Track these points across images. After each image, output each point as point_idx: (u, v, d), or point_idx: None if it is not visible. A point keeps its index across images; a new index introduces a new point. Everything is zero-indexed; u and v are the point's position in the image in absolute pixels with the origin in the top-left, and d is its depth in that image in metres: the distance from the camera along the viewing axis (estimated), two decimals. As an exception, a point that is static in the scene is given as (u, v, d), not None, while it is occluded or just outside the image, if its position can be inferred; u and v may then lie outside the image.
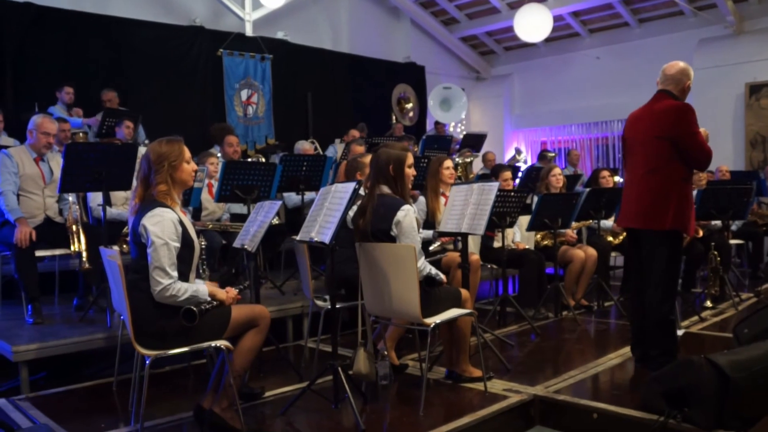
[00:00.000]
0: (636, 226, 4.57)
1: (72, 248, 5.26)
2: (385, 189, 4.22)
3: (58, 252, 5.54)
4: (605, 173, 7.71)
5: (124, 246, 5.46)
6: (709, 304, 6.77)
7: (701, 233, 7.13)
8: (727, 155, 10.88)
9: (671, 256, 4.47)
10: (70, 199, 5.40)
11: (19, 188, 5.30)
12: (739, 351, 3.71)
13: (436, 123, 12.32)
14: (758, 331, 4.34)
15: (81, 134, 7.52)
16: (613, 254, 7.35)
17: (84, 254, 5.20)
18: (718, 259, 6.78)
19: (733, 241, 7.75)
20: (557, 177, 6.98)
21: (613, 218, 7.13)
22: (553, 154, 11.16)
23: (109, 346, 4.81)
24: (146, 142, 7.40)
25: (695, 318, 6.25)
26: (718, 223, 7.27)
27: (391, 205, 4.13)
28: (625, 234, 7.11)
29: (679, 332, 5.43)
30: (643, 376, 4.34)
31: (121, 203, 5.92)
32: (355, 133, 9.46)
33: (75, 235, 5.25)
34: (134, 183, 4.32)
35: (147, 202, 3.43)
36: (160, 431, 3.77)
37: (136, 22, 9.60)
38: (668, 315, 4.45)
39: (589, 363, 4.92)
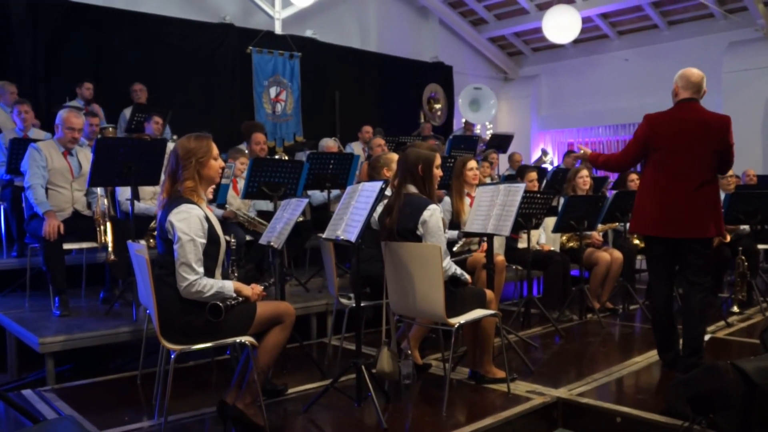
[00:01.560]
0: (684, 236, 4.48)
1: (99, 240, 5.31)
2: (412, 188, 4.22)
3: (85, 245, 5.60)
4: (633, 176, 7.65)
5: (151, 240, 5.52)
6: (736, 309, 6.71)
7: (728, 238, 7.05)
8: (755, 158, 10.77)
9: (708, 258, 4.56)
10: (99, 191, 5.45)
11: (48, 182, 5.37)
12: (766, 357, 3.67)
13: (465, 123, 12.29)
14: (786, 337, 4.31)
15: (110, 129, 7.61)
16: (639, 257, 7.29)
17: (110, 246, 5.25)
18: (746, 264, 6.71)
19: (761, 246, 7.64)
20: (584, 179, 6.92)
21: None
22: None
23: (134, 339, 4.86)
24: (174, 138, 7.45)
25: (722, 323, 6.18)
26: (746, 227, 7.18)
27: (418, 205, 4.12)
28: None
29: (705, 337, 5.38)
30: (667, 381, 4.30)
31: (149, 198, 5.98)
32: (368, 129, 9.46)
33: (102, 227, 5.30)
34: (162, 178, 4.37)
35: (174, 198, 3.46)
36: (183, 426, 3.79)
37: (166, 19, 9.72)
38: (710, 297, 4.58)
39: (613, 366, 4.89)
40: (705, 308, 4.56)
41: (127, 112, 8.62)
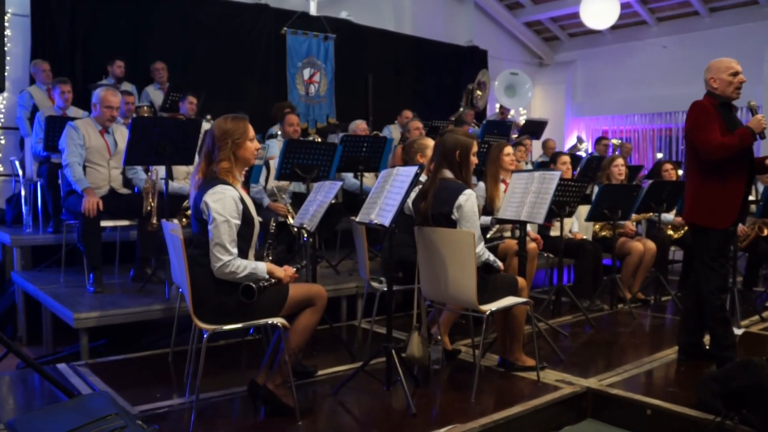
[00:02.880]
0: (685, 220, 4.64)
1: (144, 209, 5.36)
2: (448, 174, 4.20)
3: (121, 223, 5.67)
4: (668, 166, 7.57)
5: (184, 220, 5.57)
6: (771, 303, 6.61)
7: (766, 231, 6.95)
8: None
9: (713, 253, 4.41)
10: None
11: (85, 160, 5.43)
12: (803, 353, 3.63)
13: (500, 108, 12.19)
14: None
15: (146, 108, 7.66)
16: (672, 248, 7.22)
17: (154, 214, 5.31)
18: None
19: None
20: (619, 168, 6.84)
21: (674, 211, 6.99)
22: (618, 142, 10.99)
23: (166, 317, 4.93)
24: (208, 118, 7.48)
25: (756, 317, 6.10)
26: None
27: (454, 189, 4.11)
28: (686, 228, 7.00)
29: (738, 331, 5.32)
30: (699, 374, 4.25)
31: (183, 177, 6.03)
32: (408, 113, 9.42)
33: (152, 197, 5.36)
34: (196, 158, 4.38)
35: (209, 179, 3.47)
36: (214, 404, 3.84)
37: (202, -1, 9.72)
38: (714, 302, 4.41)
39: (643, 358, 4.86)
40: (708, 309, 4.46)
41: (150, 90, 8.67)
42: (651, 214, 6.83)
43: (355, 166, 6.68)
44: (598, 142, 10.97)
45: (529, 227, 5.09)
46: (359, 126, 8.34)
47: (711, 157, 4.23)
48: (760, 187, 7.07)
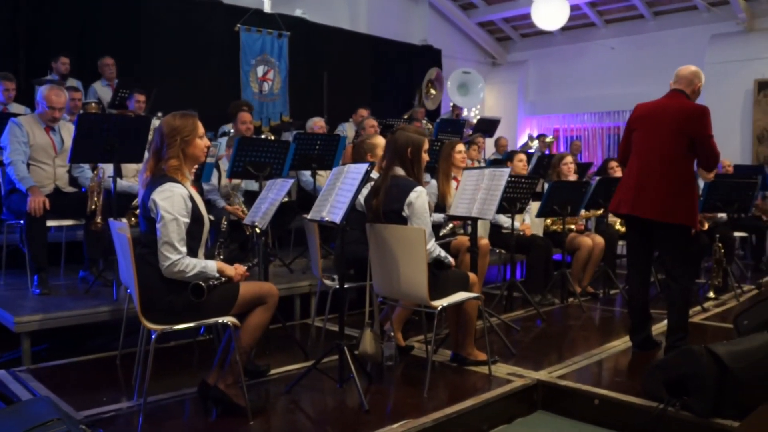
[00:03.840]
0: (651, 217, 4.55)
1: (88, 207, 5.25)
2: (400, 171, 4.21)
3: (67, 222, 5.55)
4: (613, 163, 7.73)
5: (133, 219, 5.48)
6: (711, 294, 6.82)
7: (706, 225, 7.13)
8: (734, 150, 10.90)
9: (683, 247, 4.58)
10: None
11: (30, 158, 5.29)
12: (739, 341, 3.76)
13: (453, 106, 12.28)
14: (758, 322, 4.40)
15: (93, 104, 7.52)
16: (620, 243, 7.35)
17: (99, 213, 5.21)
18: (722, 251, 6.79)
19: (737, 234, 7.78)
20: (568, 165, 7.00)
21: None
22: (551, 139, 11.31)
23: (114, 319, 4.82)
24: (159, 115, 7.38)
25: (698, 308, 6.27)
26: (723, 215, 7.26)
27: (404, 187, 4.12)
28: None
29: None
30: (644, 364, 4.35)
31: (132, 175, 5.93)
32: (363, 112, 9.43)
33: (97, 195, 5.26)
34: (146, 155, 4.32)
35: (157, 177, 3.43)
36: (164, 406, 3.78)
37: (152, -7, 9.58)
38: (690, 286, 4.64)
39: (593, 349, 4.94)
40: (678, 300, 4.60)
41: (97, 86, 8.51)
42: (600, 210, 6.94)
43: (308, 164, 6.66)
44: (538, 139, 11.42)
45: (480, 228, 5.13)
46: (317, 123, 8.30)
47: (713, 164, 4.60)
48: (701, 183, 7.24)
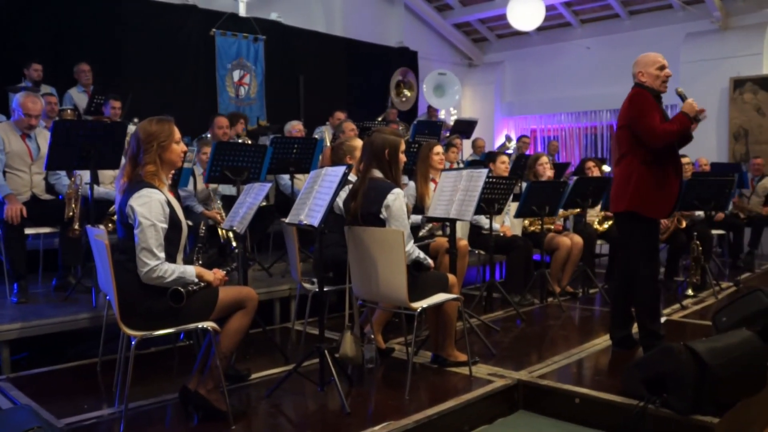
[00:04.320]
0: (611, 210, 4.74)
1: (67, 213, 5.21)
2: (377, 173, 4.23)
3: (44, 230, 5.51)
4: (590, 163, 7.81)
5: (110, 225, 5.45)
6: (690, 292, 6.87)
7: (684, 224, 7.20)
8: (711, 148, 11.04)
9: (637, 237, 4.56)
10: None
11: (6, 165, 5.26)
12: (717, 338, 3.80)
13: (429, 108, 12.31)
14: (736, 319, 4.44)
15: (69, 111, 7.46)
16: (598, 242, 7.42)
17: (76, 220, 5.17)
18: (700, 248, 6.85)
19: (714, 232, 7.86)
20: (544, 165, 7.05)
21: (600, 206, 7.19)
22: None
23: (93, 326, 4.81)
24: (135, 121, 7.33)
25: (676, 306, 6.34)
26: (700, 213, 7.34)
27: (382, 189, 4.14)
28: (611, 222, 7.22)
29: (661, 319, 5.49)
30: (624, 362, 4.39)
31: (109, 182, 5.90)
32: (340, 115, 9.43)
33: (74, 202, 5.22)
34: (123, 161, 4.30)
35: (134, 183, 3.41)
36: (145, 413, 3.76)
37: (127, -2, 9.52)
38: (649, 279, 4.55)
39: (572, 349, 4.97)
40: (638, 294, 4.63)
41: (73, 92, 8.44)
42: (578, 209, 7.00)
43: (286, 168, 6.65)
44: (508, 140, 11.46)
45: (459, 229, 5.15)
46: (294, 126, 8.30)
47: (656, 143, 4.33)
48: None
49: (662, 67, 4.50)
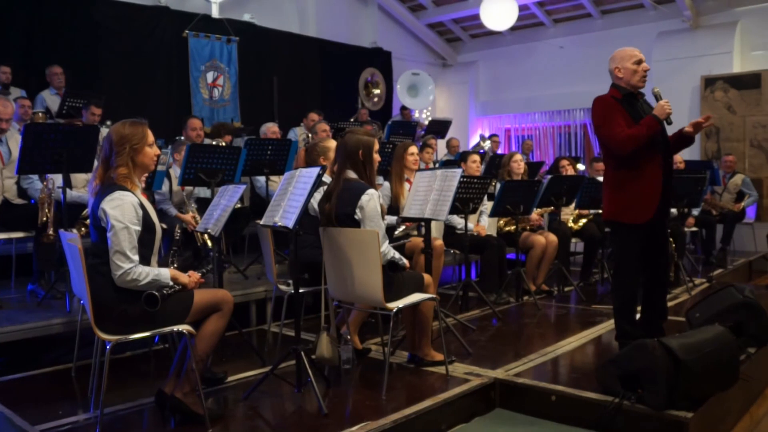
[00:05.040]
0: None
1: (40, 217, 5.16)
2: (351, 174, 4.23)
3: (17, 235, 5.43)
4: (565, 162, 7.87)
5: (84, 229, 5.40)
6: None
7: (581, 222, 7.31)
8: (682, 145, 11.11)
9: (618, 243, 4.63)
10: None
11: (-25, 169, 5.20)
12: (691, 334, 3.85)
13: (403, 108, 12.34)
14: (709, 315, 4.50)
15: (40, 114, 7.39)
16: (573, 240, 7.46)
17: (50, 225, 5.12)
18: (673, 245, 6.92)
19: (687, 229, 7.94)
20: (518, 163, 7.11)
21: (574, 204, 7.24)
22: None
23: (68, 331, 4.74)
24: (108, 123, 7.27)
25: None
26: (673, 211, 7.41)
27: (356, 190, 4.14)
28: (585, 221, 7.28)
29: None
30: (600, 359, 4.43)
31: (82, 185, 5.84)
32: (314, 116, 9.43)
33: (48, 207, 5.16)
34: (95, 164, 4.27)
35: (107, 185, 3.39)
36: (121, 417, 3.74)
37: (99, 0, 9.42)
38: (626, 284, 4.57)
39: (548, 347, 5.00)
40: (613, 298, 4.70)
41: (46, 94, 8.35)
42: (551, 208, 7.04)
43: (260, 170, 6.64)
44: (488, 139, 11.67)
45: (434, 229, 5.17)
46: (270, 129, 8.28)
47: (620, 150, 4.29)
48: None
49: (639, 62, 4.43)
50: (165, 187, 6.32)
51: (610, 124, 4.31)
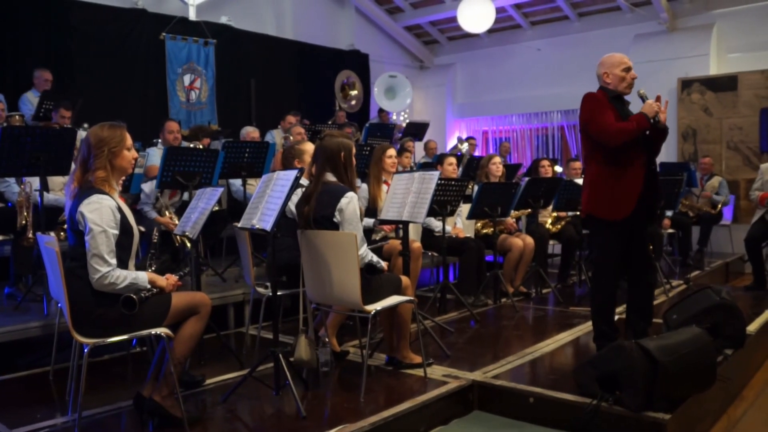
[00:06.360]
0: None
1: (18, 223, 5.12)
2: (331, 177, 4.24)
3: (-6, 238, 5.41)
4: (545, 162, 7.91)
5: (62, 233, 5.36)
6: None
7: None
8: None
9: (595, 239, 4.67)
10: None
11: (-48, 173, 5.14)
12: (668, 336, 3.88)
13: (380, 111, 12.36)
14: (686, 316, 4.54)
15: (17, 117, 7.31)
16: (551, 242, 7.51)
17: (29, 228, 5.08)
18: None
19: (664, 230, 8.01)
20: (497, 165, 7.14)
21: (551, 207, 7.29)
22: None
23: (45, 334, 4.73)
24: (86, 126, 7.22)
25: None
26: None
27: (336, 192, 4.15)
28: (564, 223, 7.34)
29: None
30: (577, 361, 4.47)
31: (59, 188, 5.81)
32: (291, 119, 9.43)
33: (26, 210, 5.12)
34: (73, 167, 4.24)
35: (85, 188, 3.38)
36: (99, 421, 3.72)
37: (76, 3, 9.36)
38: (604, 284, 4.62)
39: (526, 349, 5.03)
40: (592, 298, 4.76)
41: (29, 96, 8.28)
42: (529, 210, 7.09)
43: (238, 172, 6.63)
44: (459, 141, 11.69)
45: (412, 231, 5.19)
46: (250, 133, 8.28)
47: (610, 142, 4.31)
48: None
49: (628, 69, 4.52)
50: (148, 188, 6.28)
51: (601, 116, 4.36)
